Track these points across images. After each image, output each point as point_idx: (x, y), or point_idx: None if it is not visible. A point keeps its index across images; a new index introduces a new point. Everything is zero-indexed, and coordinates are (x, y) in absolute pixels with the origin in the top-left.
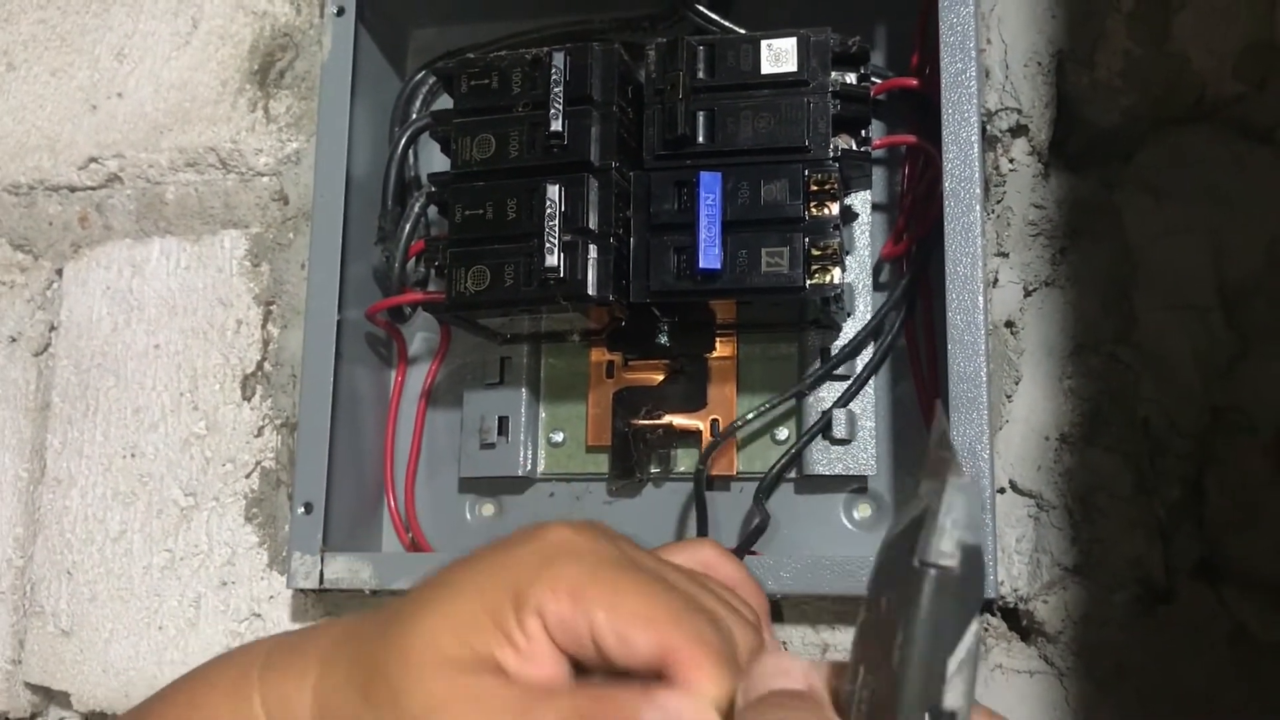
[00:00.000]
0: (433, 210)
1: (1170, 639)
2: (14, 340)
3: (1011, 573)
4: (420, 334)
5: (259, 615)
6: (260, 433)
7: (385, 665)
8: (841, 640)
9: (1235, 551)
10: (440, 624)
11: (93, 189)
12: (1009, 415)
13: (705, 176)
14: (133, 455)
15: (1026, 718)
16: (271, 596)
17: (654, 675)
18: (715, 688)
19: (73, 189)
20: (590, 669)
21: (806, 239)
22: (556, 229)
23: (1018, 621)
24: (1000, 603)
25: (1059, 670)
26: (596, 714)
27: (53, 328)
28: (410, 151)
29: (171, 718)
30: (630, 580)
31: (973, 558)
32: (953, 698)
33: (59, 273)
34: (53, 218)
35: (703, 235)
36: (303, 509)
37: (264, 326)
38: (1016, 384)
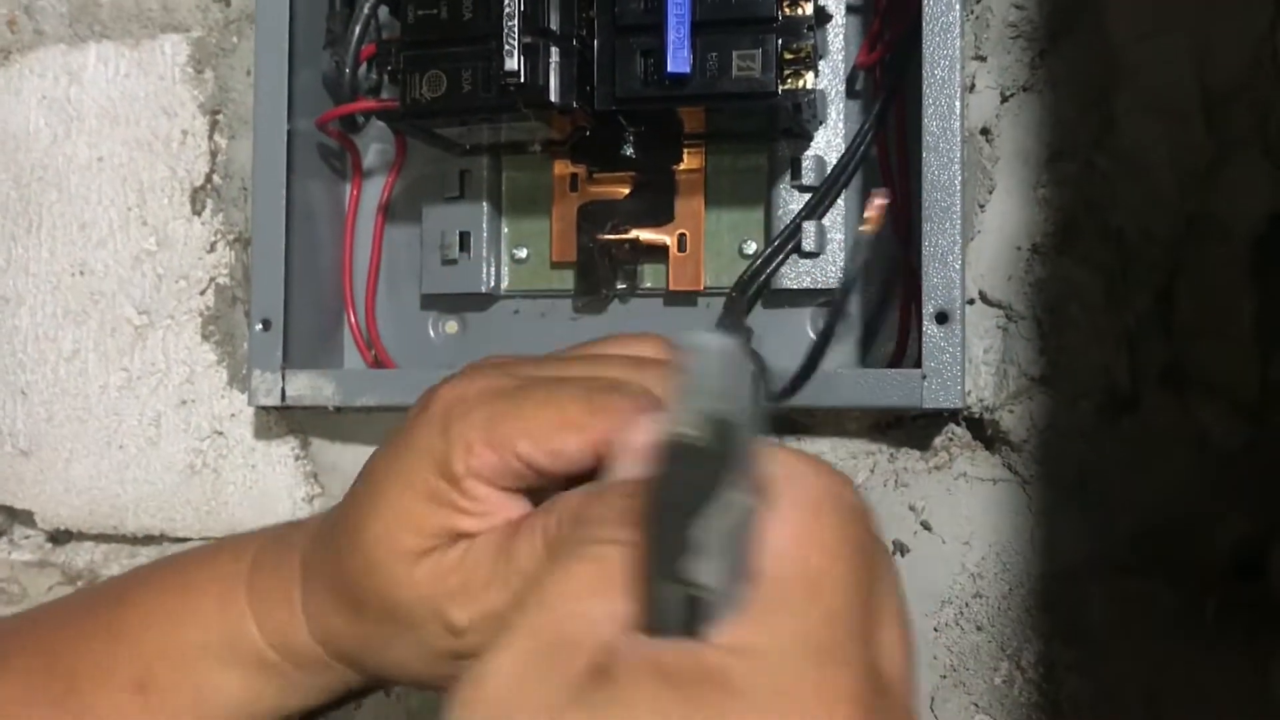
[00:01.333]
0: (385, 11)
1: (1133, 446)
2: None
3: (978, 383)
4: (375, 145)
5: (221, 433)
6: (213, 248)
7: (360, 582)
8: (807, 450)
9: (1202, 359)
10: (390, 529)
11: None
12: (981, 225)
13: None
14: (81, 273)
15: (990, 524)
16: (233, 414)
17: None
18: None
19: None
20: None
21: (779, 41)
22: (516, 30)
23: (983, 431)
24: (966, 413)
25: (1022, 478)
26: (563, 528)
27: None
28: None
29: (160, 622)
30: (529, 396)
31: (721, 429)
32: (706, 572)
33: None
34: None
35: (671, 36)
36: (260, 326)
37: (211, 137)
38: (990, 193)
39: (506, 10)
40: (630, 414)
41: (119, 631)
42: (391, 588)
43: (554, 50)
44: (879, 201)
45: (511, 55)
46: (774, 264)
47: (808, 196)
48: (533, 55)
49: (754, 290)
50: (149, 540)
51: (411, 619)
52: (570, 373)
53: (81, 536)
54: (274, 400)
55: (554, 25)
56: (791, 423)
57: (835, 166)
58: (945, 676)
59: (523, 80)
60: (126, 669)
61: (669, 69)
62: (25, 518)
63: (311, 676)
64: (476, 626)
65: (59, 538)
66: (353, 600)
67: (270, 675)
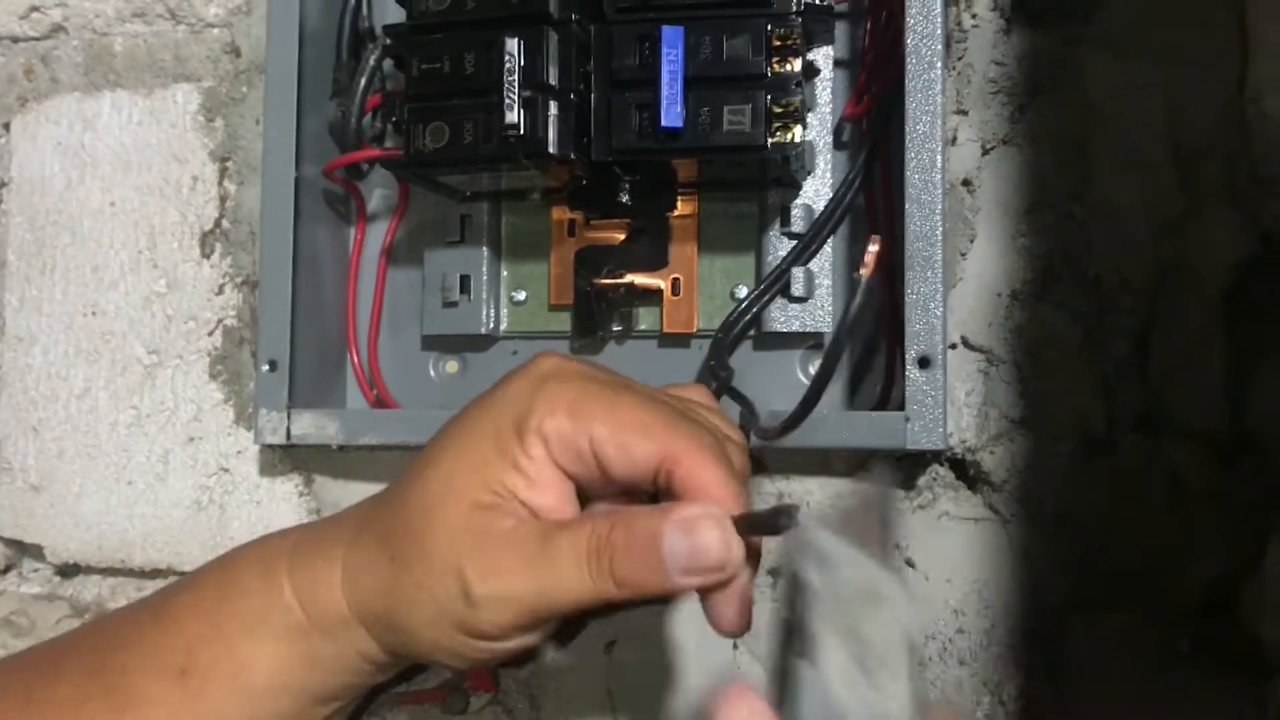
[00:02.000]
0: (389, 64)
1: (1110, 488)
2: None
3: (960, 425)
4: (378, 191)
5: (227, 470)
6: (221, 290)
7: (407, 523)
8: (795, 489)
9: (1175, 404)
10: (454, 467)
11: (36, 39)
12: (962, 273)
13: (667, 31)
14: (93, 313)
15: (972, 562)
16: (239, 451)
17: (652, 487)
18: (719, 486)
19: (15, 39)
20: (590, 494)
21: (768, 96)
22: (516, 84)
23: (965, 472)
24: (948, 454)
25: (1003, 517)
26: (615, 537)
27: (3, 184)
28: (364, 1)
29: (202, 604)
30: (623, 395)
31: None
32: None
33: (6, 127)
34: None
35: (665, 92)
36: (267, 366)
37: (220, 183)
38: (971, 242)
39: (507, 65)
40: (701, 447)
41: (165, 619)
42: (433, 529)
43: (552, 104)
44: (873, 248)
45: (512, 109)
46: (758, 307)
47: (797, 243)
48: (532, 108)
49: (738, 331)
50: (156, 574)
51: (436, 569)
52: (662, 396)
53: (90, 570)
54: (279, 439)
55: (553, 80)
56: (781, 461)
57: (821, 214)
58: None
59: (522, 132)
60: (170, 656)
61: (662, 123)
62: (35, 551)
63: (335, 645)
64: (489, 604)
65: (67, 571)
66: (393, 544)
67: (296, 642)
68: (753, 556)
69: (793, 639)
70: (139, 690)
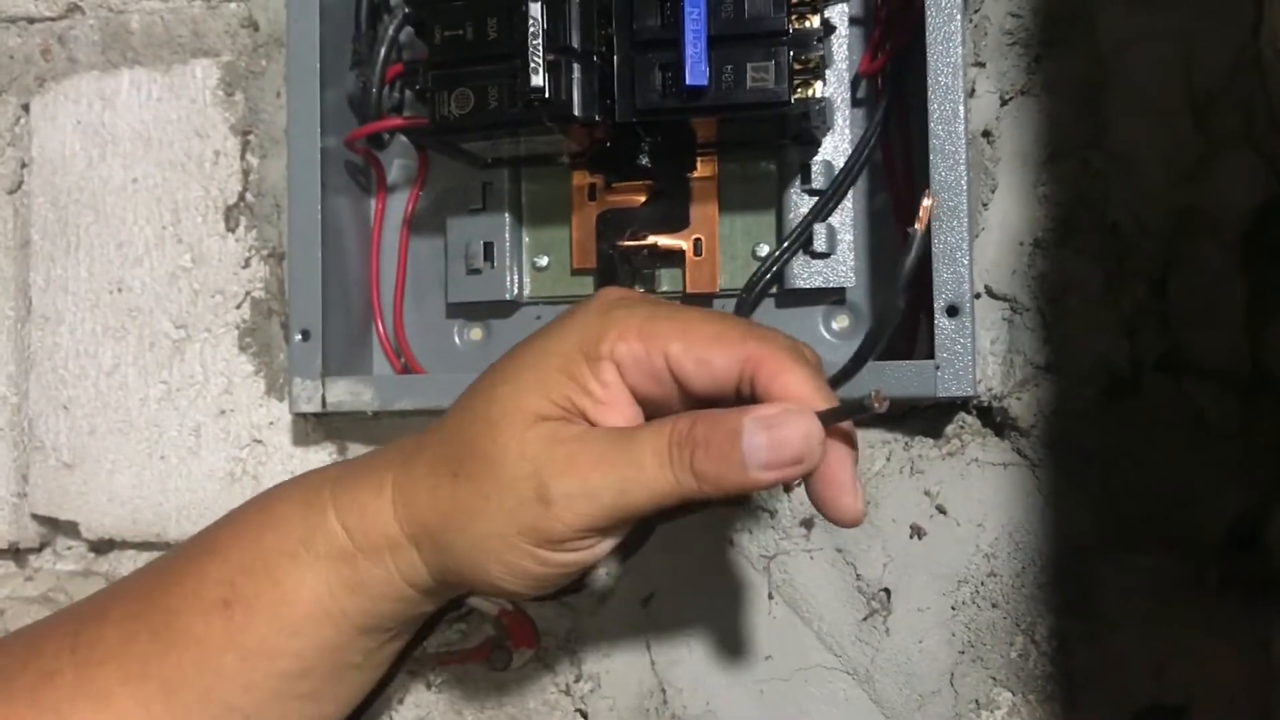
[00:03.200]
0: (407, 33)
1: (1135, 429)
2: None
3: (987, 373)
4: (398, 161)
5: (260, 441)
6: (247, 264)
7: (472, 441)
8: None
9: (1195, 345)
10: (520, 389)
11: (52, 19)
12: (985, 223)
13: None
14: (119, 290)
15: (1002, 506)
16: (271, 423)
17: (735, 397)
18: (801, 384)
19: (31, 20)
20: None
21: (791, 52)
22: (540, 48)
23: (992, 419)
24: (976, 401)
25: (1031, 462)
26: (696, 433)
27: (24, 164)
28: None
29: (244, 537)
30: (691, 313)
31: None
32: None
33: (25, 108)
34: (13, 50)
35: (689, 51)
36: (300, 336)
37: (243, 157)
38: (993, 192)
39: (531, 30)
40: (779, 349)
41: (207, 554)
42: (502, 443)
43: (576, 66)
44: (926, 202)
45: (537, 72)
46: (781, 263)
47: (818, 199)
48: (556, 72)
49: (760, 288)
50: None
51: (509, 478)
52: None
53: (125, 545)
54: (315, 407)
55: (575, 43)
56: None
57: (841, 170)
58: (964, 652)
59: (547, 95)
60: (214, 589)
61: (687, 81)
62: (69, 528)
63: (380, 568)
64: (568, 502)
65: (101, 547)
66: (456, 462)
67: (339, 566)
68: (849, 444)
69: None
70: (184, 626)
